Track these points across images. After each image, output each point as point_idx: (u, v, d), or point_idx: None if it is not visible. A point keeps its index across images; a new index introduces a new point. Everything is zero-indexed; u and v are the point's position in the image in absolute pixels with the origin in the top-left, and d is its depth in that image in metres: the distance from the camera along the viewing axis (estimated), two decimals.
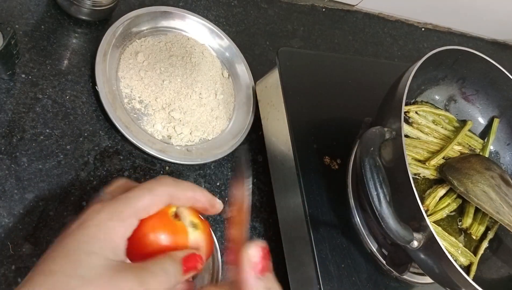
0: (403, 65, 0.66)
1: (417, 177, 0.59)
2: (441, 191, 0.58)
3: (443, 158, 0.60)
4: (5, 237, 0.49)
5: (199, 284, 0.52)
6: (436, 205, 0.58)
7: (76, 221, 0.33)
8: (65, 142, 0.56)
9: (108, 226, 0.33)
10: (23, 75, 0.56)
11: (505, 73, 0.60)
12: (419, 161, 0.59)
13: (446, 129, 0.63)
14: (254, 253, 0.33)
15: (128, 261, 0.34)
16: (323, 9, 0.90)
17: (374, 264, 0.58)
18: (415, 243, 0.46)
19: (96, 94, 0.59)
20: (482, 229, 0.60)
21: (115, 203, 0.34)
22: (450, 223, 0.59)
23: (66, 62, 0.60)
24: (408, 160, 0.46)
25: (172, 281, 0.33)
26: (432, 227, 0.45)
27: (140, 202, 0.34)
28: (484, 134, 0.67)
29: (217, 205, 0.40)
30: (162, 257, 0.34)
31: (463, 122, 0.66)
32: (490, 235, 0.60)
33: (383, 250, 0.57)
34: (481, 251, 0.59)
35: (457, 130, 0.64)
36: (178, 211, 0.37)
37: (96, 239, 0.32)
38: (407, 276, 0.58)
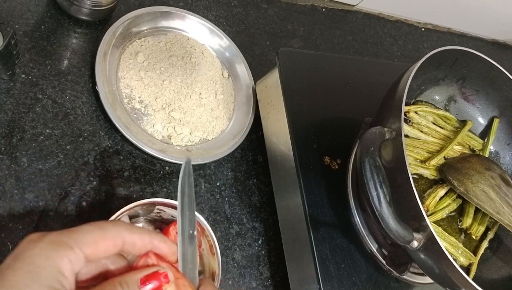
0: (403, 65, 0.66)
1: (417, 177, 0.59)
2: (441, 191, 0.58)
3: (443, 158, 0.60)
4: (5, 237, 0.49)
5: None
6: (436, 205, 0.58)
7: (11, 254, 0.29)
8: (65, 142, 0.56)
9: (50, 256, 0.28)
10: (23, 75, 0.56)
11: (505, 73, 0.60)
12: (419, 161, 0.59)
13: (446, 129, 0.63)
14: None
15: None
16: (323, 9, 0.90)
17: (374, 264, 0.58)
18: (415, 243, 0.46)
19: (96, 94, 0.59)
20: (482, 229, 0.60)
21: (57, 233, 0.30)
22: (450, 223, 0.59)
23: (66, 62, 0.60)
24: (408, 160, 0.46)
25: None
26: (432, 227, 0.45)
27: (87, 236, 0.30)
28: (484, 134, 0.67)
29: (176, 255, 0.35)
30: (114, 279, 0.31)
31: (463, 122, 0.66)
32: (490, 235, 0.60)
33: (383, 250, 0.57)
34: (481, 251, 0.59)
35: (457, 130, 0.64)
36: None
37: (38, 273, 0.27)
38: (407, 276, 0.58)
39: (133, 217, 0.53)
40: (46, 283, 0.27)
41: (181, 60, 0.66)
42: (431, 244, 0.45)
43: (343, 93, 0.68)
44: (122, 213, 0.48)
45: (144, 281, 0.31)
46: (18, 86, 0.55)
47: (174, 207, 0.51)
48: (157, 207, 0.51)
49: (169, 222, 0.52)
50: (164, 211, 0.52)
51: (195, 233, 0.35)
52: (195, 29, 0.70)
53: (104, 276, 0.32)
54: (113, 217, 0.47)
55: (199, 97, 0.65)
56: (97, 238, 0.30)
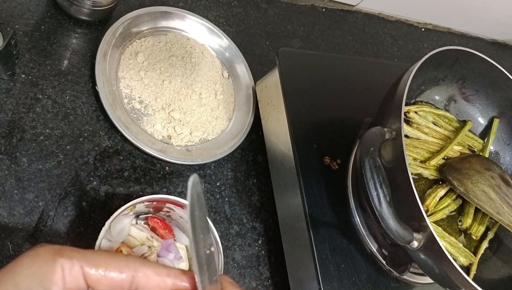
0: (403, 65, 0.66)
1: (417, 177, 0.59)
2: (441, 191, 0.58)
3: (443, 158, 0.60)
4: (5, 237, 0.49)
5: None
6: (436, 205, 0.58)
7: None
8: (65, 142, 0.56)
9: (41, 264, 0.27)
10: (23, 75, 0.56)
11: (505, 73, 0.60)
12: (419, 161, 0.59)
13: (446, 129, 0.63)
14: None
15: None
16: (323, 9, 0.90)
17: (374, 264, 0.58)
18: (415, 243, 0.46)
19: (96, 94, 0.59)
20: (482, 229, 0.60)
21: (63, 246, 0.29)
22: (450, 223, 0.59)
23: (66, 62, 0.60)
24: (408, 160, 0.46)
25: None
26: (432, 227, 0.45)
27: (94, 255, 0.29)
28: (484, 134, 0.67)
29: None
30: None
31: (463, 122, 0.66)
32: (490, 235, 0.60)
33: (383, 250, 0.57)
34: (481, 251, 0.59)
35: (457, 130, 0.64)
36: None
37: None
38: (407, 276, 0.58)
39: (140, 214, 0.53)
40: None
41: (181, 60, 0.66)
42: (431, 244, 0.45)
43: (343, 93, 0.68)
44: (125, 208, 0.48)
45: None
46: (18, 86, 0.55)
47: (176, 205, 0.51)
48: (166, 205, 0.51)
49: (177, 221, 0.53)
50: (173, 210, 0.52)
51: (212, 249, 0.32)
52: (195, 29, 0.70)
53: None
54: (116, 213, 0.47)
55: (199, 97, 0.65)
56: (103, 259, 0.29)
